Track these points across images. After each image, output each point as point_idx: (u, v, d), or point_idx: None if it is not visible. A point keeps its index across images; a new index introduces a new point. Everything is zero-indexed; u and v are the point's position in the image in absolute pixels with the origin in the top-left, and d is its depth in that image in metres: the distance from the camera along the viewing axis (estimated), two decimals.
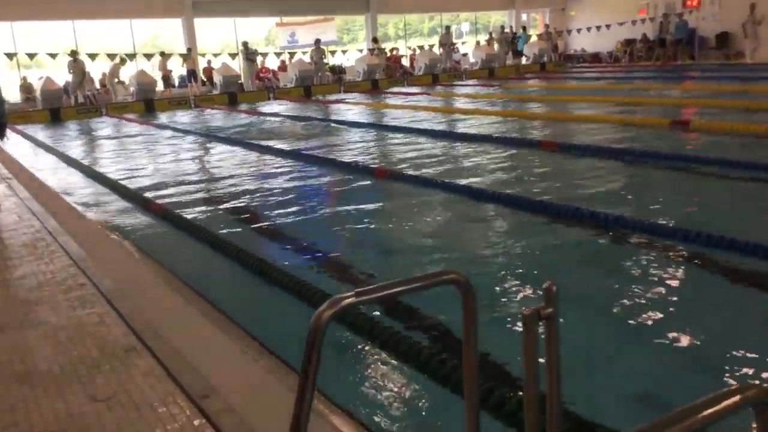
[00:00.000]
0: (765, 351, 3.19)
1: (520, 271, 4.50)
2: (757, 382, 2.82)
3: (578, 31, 29.42)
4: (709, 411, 1.04)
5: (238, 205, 7.15)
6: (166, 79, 23.27)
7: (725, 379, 2.92)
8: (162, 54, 23.31)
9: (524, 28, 29.48)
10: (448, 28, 27.65)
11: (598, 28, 27.53)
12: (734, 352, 3.18)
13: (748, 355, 3.16)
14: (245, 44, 23.38)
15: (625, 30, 27.05)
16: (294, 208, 6.86)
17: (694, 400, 1.07)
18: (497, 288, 4.20)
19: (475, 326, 1.71)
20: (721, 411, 1.05)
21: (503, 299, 4.00)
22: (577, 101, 15.00)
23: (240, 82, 23.44)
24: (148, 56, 23.61)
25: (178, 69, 24.30)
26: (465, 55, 28.83)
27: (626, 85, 18.23)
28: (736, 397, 1.06)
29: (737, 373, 2.98)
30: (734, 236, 4.52)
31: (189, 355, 3.16)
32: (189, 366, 3.05)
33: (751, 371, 2.99)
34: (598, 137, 9.83)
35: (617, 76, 21.61)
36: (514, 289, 4.18)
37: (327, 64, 25.40)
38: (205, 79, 24.14)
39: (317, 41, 24.44)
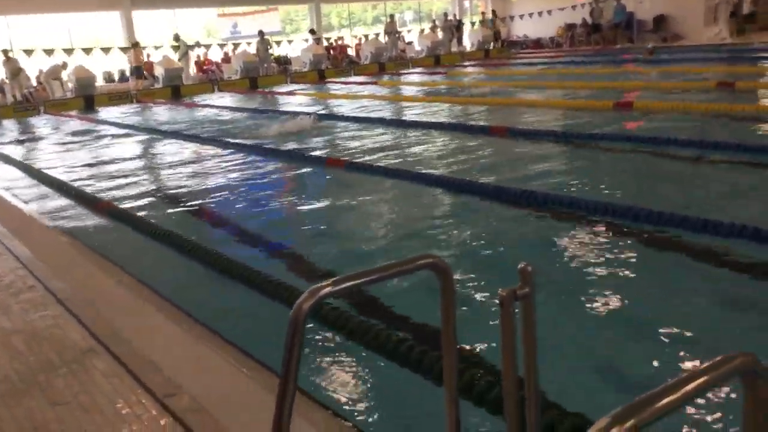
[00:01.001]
0: (725, 326, 3.29)
1: (482, 255, 4.53)
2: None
3: (520, 17, 29.79)
4: (699, 381, 1.06)
5: (190, 200, 7.01)
6: (139, 69, 22.69)
7: (683, 352, 3.00)
8: (135, 45, 22.69)
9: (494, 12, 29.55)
10: (392, 16, 27.65)
11: (540, 14, 27.94)
12: (689, 326, 3.28)
13: (705, 328, 3.26)
14: (176, 37, 22.94)
15: (566, 15, 27.52)
16: (246, 201, 6.77)
17: (682, 373, 1.09)
18: (460, 273, 4.22)
19: (454, 310, 1.71)
20: (710, 381, 1.07)
21: (468, 284, 4.02)
22: (522, 86, 15.18)
23: (183, 75, 22.96)
24: (87, 51, 22.89)
25: (118, 63, 23.67)
26: (410, 43, 28.87)
27: (568, 69, 18.54)
28: (726, 366, 1.08)
29: (695, 345, 3.06)
30: (687, 214, 4.64)
31: (151, 354, 3.09)
32: (151, 365, 2.98)
33: (707, 344, 3.08)
34: (545, 121, 9.98)
35: (559, 60, 21.96)
36: (476, 273, 4.21)
37: (272, 55, 25.09)
38: (146, 73, 23.55)
39: (260, 33, 24.11)
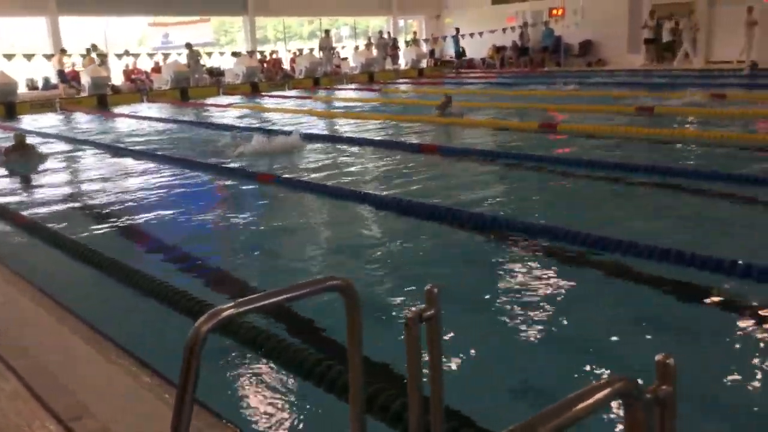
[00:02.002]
0: (637, 342, 3.40)
1: (405, 273, 4.56)
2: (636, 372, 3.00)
3: (452, 37, 30.32)
4: (582, 405, 1.09)
5: (111, 214, 6.80)
6: (62, 73, 21.88)
7: (602, 369, 3.09)
8: (62, 51, 21.88)
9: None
10: (327, 32, 27.69)
11: (471, 35, 28.52)
12: (609, 344, 3.39)
13: (622, 346, 3.36)
14: (94, 46, 22.41)
15: (497, 37, 28.21)
16: (171, 216, 6.62)
17: (567, 396, 1.12)
18: (382, 291, 4.24)
19: (360, 330, 1.71)
20: (593, 404, 1.11)
21: (388, 302, 4.04)
22: (453, 105, 15.42)
23: (110, 84, 22.33)
24: (8, 57, 21.98)
25: (44, 71, 22.84)
26: (345, 59, 28.97)
27: (497, 90, 18.98)
28: (606, 390, 1.12)
29: (613, 364, 3.16)
30: (603, 234, 4.79)
31: (59, 375, 2.97)
32: (59, 386, 2.86)
33: (624, 362, 3.18)
34: (474, 140, 10.17)
35: (489, 81, 22.46)
36: (399, 291, 4.23)
37: (204, 66, 24.73)
38: (73, 82, 22.78)
39: (188, 45, 23.74)
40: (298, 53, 27.47)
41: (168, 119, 16.26)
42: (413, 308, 1.71)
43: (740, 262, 4.08)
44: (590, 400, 1.10)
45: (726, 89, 14.41)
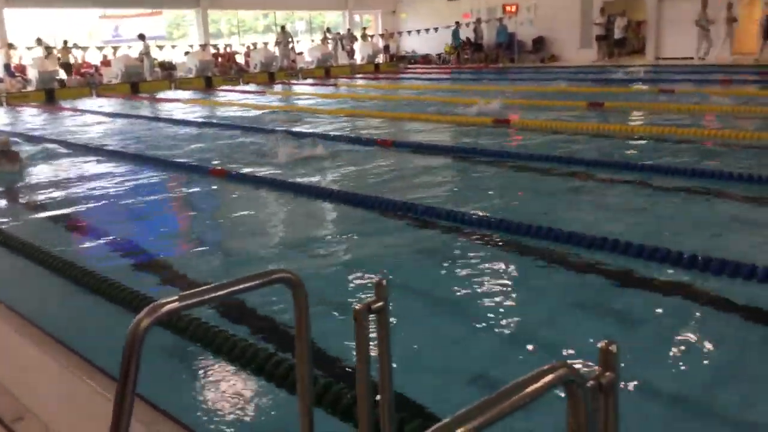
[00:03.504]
0: (581, 330, 3.46)
1: (358, 266, 4.55)
2: (578, 359, 3.05)
3: (408, 33, 30.42)
4: (523, 392, 1.10)
5: (57, 209, 6.63)
6: (8, 67, 21.19)
7: (553, 356, 3.13)
8: (9, 46, 21.18)
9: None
10: (283, 27, 27.46)
11: (427, 30, 28.64)
12: (559, 331, 3.44)
13: (567, 334, 3.41)
14: (38, 40, 21.85)
15: (452, 33, 28.37)
16: (120, 212, 6.48)
17: (510, 382, 1.12)
18: (335, 284, 4.22)
19: (308, 324, 1.70)
20: (534, 392, 1.11)
21: (341, 295, 4.03)
22: (409, 99, 15.49)
23: (59, 78, 21.74)
24: None
25: None
26: (300, 53, 28.79)
27: (452, 85, 19.11)
28: (548, 377, 1.13)
29: (560, 351, 3.21)
30: (551, 226, 4.87)
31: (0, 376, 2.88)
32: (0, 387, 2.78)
33: (571, 350, 3.23)
34: (429, 135, 10.21)
35: (444, 77, 22.59)
36: (352, 284, 4.23)
37: (155, 59, 24.27)
38: (18, 75, 22.12)
39: (141, 36, 23.26)
40: (252, 47, 27.19)
41: (118, 113, 15.92)
42: (362, 301, 1.70)
43: (686, 254, 4.19)
44: (532, 388, 1.10)
45: (675, 85, 14.77)
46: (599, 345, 1.31)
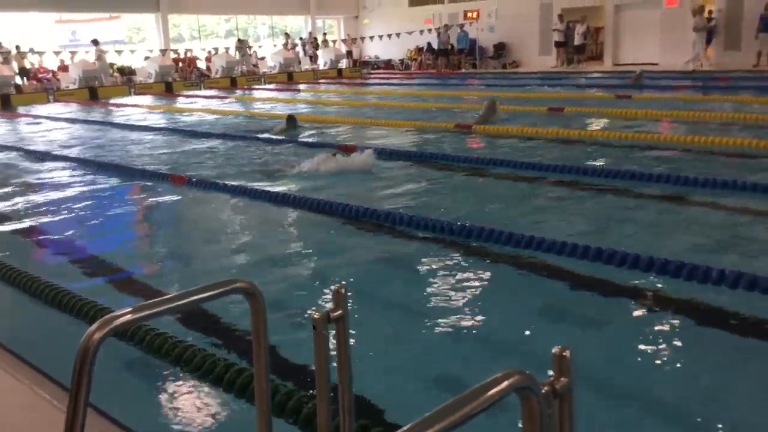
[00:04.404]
0: (541, 334, 3.50)
1: (322, 274, 4.54)
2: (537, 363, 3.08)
3: (371, 38, 30.50)
4: (479, 400, 1.11)
5: (11, 218, 6.47)
6: None
7: (514, 362, 3.16)
8: None
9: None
10: (240, 40, 27.23)
11: (389, 36, 28.73)
12: (520, 337, 3.47)
13: (529, 339, 3.45)
14: None
15: (415, 39, 28.53)
16: (78, 220, 6.36)
17: (466, 391, 1.13)
18: (299, 292, 4.20)
19: (265, 333, 1.68)
20: (489, 399, 1.12)
21: (305, 303, 4.01)
22: (372, 105, 15.51)
23: (14, 83, 21.25)
24: None
25: None
26: (263, 58, 28.63)
27: (415, 90, 19.19)
28: (502, 385, 1.14)
29: (523, 356, 3.24)
30: (512, 231, 4.91)
31: None
32: None
33: (534, 353, 3.27)
34: (392, 139, 10.24)
35: (407, 82, 22.68)
36: (317, 292, 4.21)
37: (113, 64, 23.89)
38: None
39: (94, 41, 22.85)
40: (214, 52, 26.94)
41: (76, 119, 15.63)
42: (320, 310, 1.69)
43: (643, 255, 4.26)
44: (486, 395, 1.11)
45: (630, 90, 15.06)
46: (553, 351, 1.33)
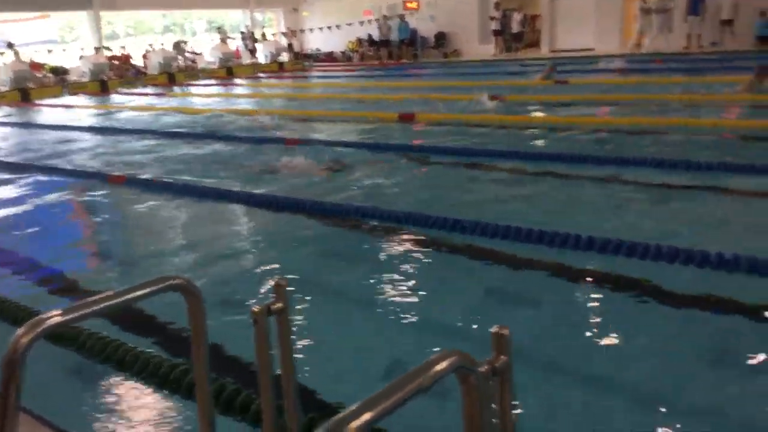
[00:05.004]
0: (486, 317, 3.55)
1: (267, 267, 4.49)
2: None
3: (310, 30, 30.29)
4: (418, 380, 1.11)
5: None
6: None
7: (459, 345, 3.18)
8: None
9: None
10: (176, 43, 26.66)
11: (329, 28, 28.58)
12: (463, 320, 3.51)
13: (474, 321, 3.48)
14: None
15: (356, 30, 28.46)
16: (11, 223, 6.14)
17: (405, 373, 1.14)
18: (244, 287, 4.15)
19: (204, 329, 1.66)
20: (429, 379, 1.13)
21: (250, 297, 3.96)
22: (314, 98, 15.43)
23: None
24: None
25: None
26: (200, 54, 28.12)
27: (358, 82, 19.16)
28: (441, 365, 1.15)
29: (465, 338, 3.27)
30: (460, 217, 4.95)
31: None
32: None
33: (473, 336, 3.31)
34: (337, 132, 10.20)
35: (349, 74, 22.62)
36: (263, 286, 4.16)
37: (46, 64, 23.10)
38: None
39: (9, 44, 21.98)
40: (150, 48, 26.32)
41: (7, 122, 15.08)
42: (260, 303, 1.68)
43: (583, 236, 4.36)
44: (425, 376, 1.12)
45: (569, 76, 15.35)
46: (491, 330, 1.35)
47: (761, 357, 2.93)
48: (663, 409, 2.61)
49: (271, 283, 4.11)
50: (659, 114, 9.60)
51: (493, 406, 1.33)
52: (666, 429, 2.46)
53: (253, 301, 3.90)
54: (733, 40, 20.20)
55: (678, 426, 2.48)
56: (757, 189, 5.61)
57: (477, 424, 1.18)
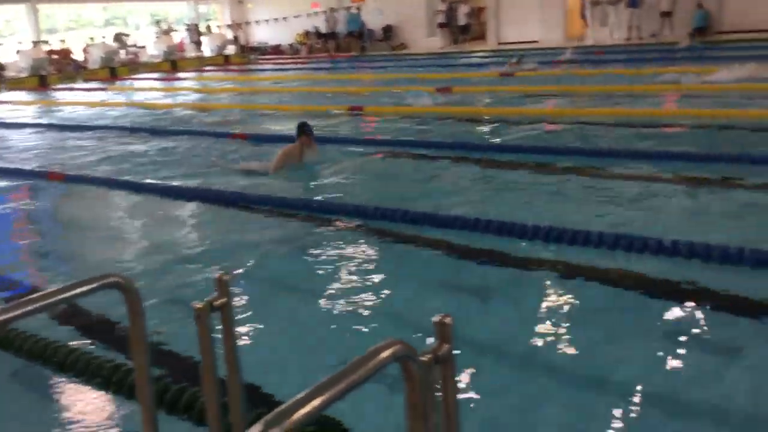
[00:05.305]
0: (433, 306, 3.57)
1: (213, 262, 4.42)
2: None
3: (257, 22, 29.92)
4: (361, 370, 1.11)
5: None
6: None
7: (402, 333, 3.20)
8: None
9: None
10: (116, 34, 26.00)
11: (276, 20, 28.27)
12: (411, 310, 3.52)
13: (424, 311, 3.48)
14: None
15: (303, 22, 28.22)
16: None
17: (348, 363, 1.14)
18: (189, 283, 4.08)
19: (143, 327, 1.62)
20: (372, 369, 1.13)
21: (196, 294, 3.90)
22: (262, 91, 15.26)
23: None
24: None
25: None
26: (143, 47, 27.49)
27: (306, 75, 19.04)
28: (383, 354, 1.15)
29: (413, 328, 3.29)
30: (409, 209, 4.96)
31: None
32: None
33: (422, 325, 3.32)
34: (284, 126, 10.10)
35: (297, 67, 22.45)
36: (204, 282, 4.10)
37: None
38: None
39: None
40: (91, 42, 25.59)
41: None
42: (204, 298, 1.65)
43: (529, 224, 4.43)
44: (367, 366, 1.12)
45: (513, 68, 15.53)
46: (434, 319, 1.36)
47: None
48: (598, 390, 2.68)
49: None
50: (600, 105, 9.81)
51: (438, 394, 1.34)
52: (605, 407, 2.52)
53: (199, 297, 3.84)
54: (672, 31, 20.76)
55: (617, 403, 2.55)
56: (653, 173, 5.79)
57: (420, 412, 1.19)
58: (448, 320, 1.36)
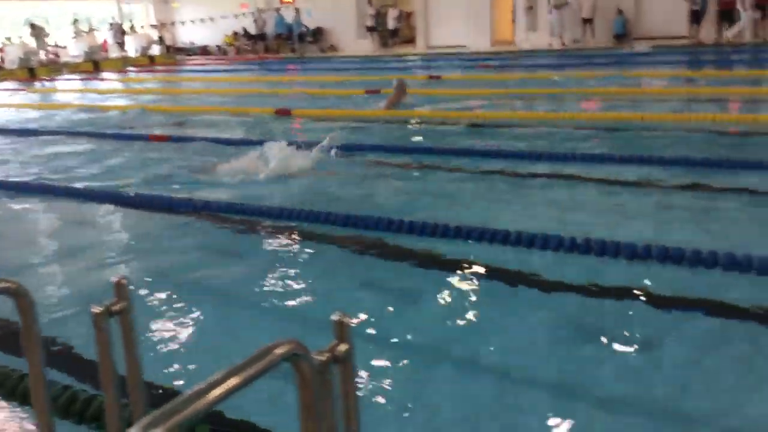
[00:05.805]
0: (359, 308, 3.57)
1: (122, 267, 4.30)
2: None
3: (182, 23, 29.37)
4: (249, 371, 1.10)
5: None
6: None
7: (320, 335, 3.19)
8: None
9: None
10: (32, 24, 25.03)
11: (202, 20, 27.82)
12: (331, 311, 3.50)
13: (364, 315, 3.47)
14: None
15: (231, 23, 27.88)
16: None
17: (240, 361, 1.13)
18: (95, 289, 3.93)
19: (37, 334, 1.57)
20: (261, 369, 1.12)
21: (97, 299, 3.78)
22: (188, 93, 14.97)
23: None
24: None
25: None
26: (64, 47, 26.57)
27: (233, 76, 18.78)
28: (274, 353, 1.15)
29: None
30: (337, 211, 4.94)
31: None
32: None
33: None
34: (212, 128, 9.94)
35: (225, 68, 22.13)
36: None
37: None
38: None
39: None
40: (8, 42, 24.56)
41: None
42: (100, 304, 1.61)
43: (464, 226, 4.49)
44: (258, 365, 1.11)
45: (442, 71, 15.77)
46: (332, 318, 1.36)
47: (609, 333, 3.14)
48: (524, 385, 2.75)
49: (136, 282, 3.97)
50: (525, 108, 10.06)
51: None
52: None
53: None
54: (592, 37, 21.50)
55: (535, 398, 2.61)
56: (609, 177, 5.99)
57: (313, 414, 1.19)
58: (346, 320, 1.37)
